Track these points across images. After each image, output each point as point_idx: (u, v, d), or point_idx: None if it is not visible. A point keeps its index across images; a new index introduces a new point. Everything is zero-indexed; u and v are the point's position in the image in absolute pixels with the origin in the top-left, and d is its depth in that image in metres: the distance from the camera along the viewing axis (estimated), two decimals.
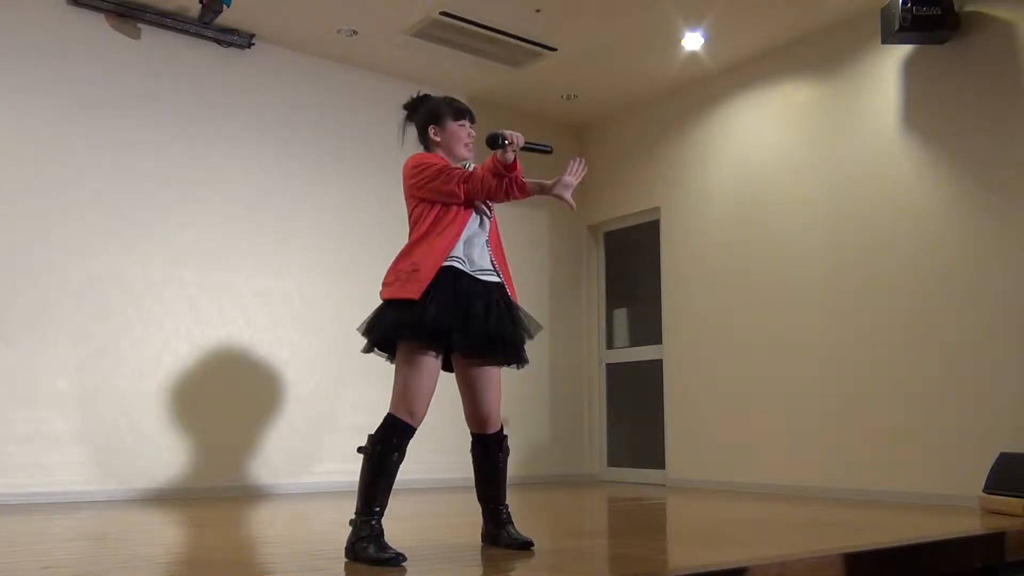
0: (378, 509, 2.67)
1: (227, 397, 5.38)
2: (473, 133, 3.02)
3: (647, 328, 6.70)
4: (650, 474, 6.45)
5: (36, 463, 4.69)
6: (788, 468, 5.44)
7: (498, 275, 2.91)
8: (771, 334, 5.67)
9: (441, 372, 2.83)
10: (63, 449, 4.79)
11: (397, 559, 2.55)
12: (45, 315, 4.84)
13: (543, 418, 6.71)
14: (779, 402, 5.56)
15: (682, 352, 6.28)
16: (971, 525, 3.64)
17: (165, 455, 5.10)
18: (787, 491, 5.36)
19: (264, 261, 5.62)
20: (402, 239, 2.90)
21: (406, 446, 2.73)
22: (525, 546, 2.86)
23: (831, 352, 5.31)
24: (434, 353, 2.76)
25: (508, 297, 2.91)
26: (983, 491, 4.10)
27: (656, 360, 6.51)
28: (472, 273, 2.83)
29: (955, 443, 4.64)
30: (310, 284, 5.75)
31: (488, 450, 2.97)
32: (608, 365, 7.01)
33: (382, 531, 2.66)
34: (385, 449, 2.69)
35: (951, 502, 4.45)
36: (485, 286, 2.84)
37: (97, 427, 4.91)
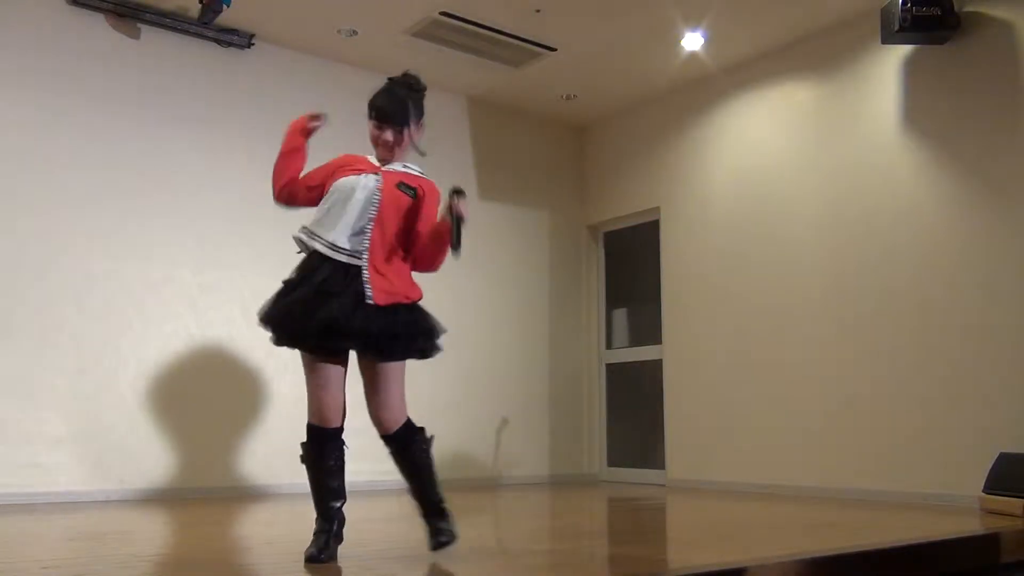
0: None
1: (227, 397, 5.38)
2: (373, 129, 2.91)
3: (647, 328, 6.70)
4: (650, 474, 6.45)
5: (36, 463, 4.69)
6: (788, 468, 5.44)
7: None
8: (771, 333, 5.67)
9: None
10: (63, 449, 4.79)
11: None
12: (45, 315, 4.84)
13: (543, 418, 6.70)
14: (779, 402, 5.56)
15: (682, 352, 6.28)
16: (971, 525, 3.64)
17: (164, 455, 5.10)
18: (787, 491, 5.36)
19: (264, 261, 5.59)
20: None
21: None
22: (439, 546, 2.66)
23: (831, 351, 5.31)
24: None
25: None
26: (983, 491, 4.11)
27: (656, 360, 6.51)
28: None
29: (955, 443, 4.64)
30: None
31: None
32: (608, 365, 7.00)
33: None
34: None
35: (951, 502, 4.45)
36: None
37: (97, 427, 4.90)
